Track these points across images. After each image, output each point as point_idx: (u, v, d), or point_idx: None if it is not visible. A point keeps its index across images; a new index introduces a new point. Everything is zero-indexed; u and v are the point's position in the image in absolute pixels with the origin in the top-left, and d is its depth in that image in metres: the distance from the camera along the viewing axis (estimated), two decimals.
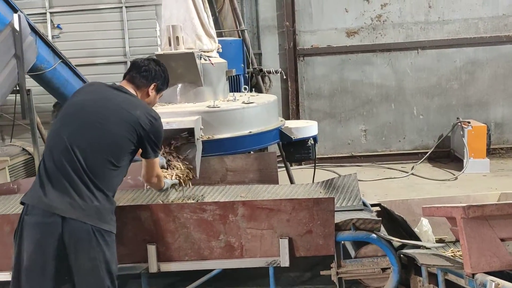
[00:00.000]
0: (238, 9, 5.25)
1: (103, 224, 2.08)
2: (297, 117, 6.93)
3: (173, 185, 2.74)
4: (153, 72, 2.47)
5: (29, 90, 4.61)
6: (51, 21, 7.66)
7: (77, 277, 2.07)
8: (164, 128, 3.16)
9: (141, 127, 2.23)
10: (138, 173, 3.29)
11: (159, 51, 3.66)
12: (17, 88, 4.41)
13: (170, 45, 3.56)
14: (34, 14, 7.30)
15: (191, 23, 3.72)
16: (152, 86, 2.46)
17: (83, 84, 2.49)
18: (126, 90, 2.38)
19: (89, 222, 2.04)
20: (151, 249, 2.49)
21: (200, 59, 3.66)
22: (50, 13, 7.82)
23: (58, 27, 7.03)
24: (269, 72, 5.39)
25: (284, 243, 2.43)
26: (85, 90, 2.42)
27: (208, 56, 3.75)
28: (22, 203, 2.13)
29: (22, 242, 2.06)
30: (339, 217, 2.58)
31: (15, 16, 4.30)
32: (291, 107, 6.98)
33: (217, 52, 3.98)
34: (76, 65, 6.31)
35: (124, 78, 2.48)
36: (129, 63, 7.47)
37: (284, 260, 2.47)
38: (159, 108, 3.60)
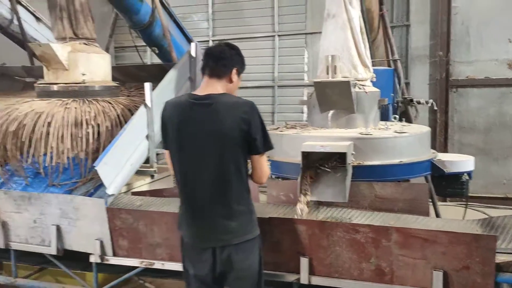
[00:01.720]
0: (392, 39, 5.30)
1: None
2: (445, 150, 6.62)
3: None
4: (230, 58, 2.45)
5: None
6: None
7: None
8: (317, 150, 3.37)
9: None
10: (291, 189, 3.54)
11: (316, 78, 3.88)
12: None
13: (327, 73, 3.77)
14: (199, 42, 8.24)
15: (348, 53, 3.90)
16: (233, 71, 2.46)
17: (171, 106, 2.54)
18: (209, 96, 2.39)
19: None
20: (304, 262, 2.67)
21: (355, 87, 3.80)
22: (213, 40, 8.78)
23: None
24: (419, 103, 5.29)
25: (439, 276, 2.40)
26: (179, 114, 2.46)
27: (362, 85, 3.88)
28: None
29: None
30: (500, 258, 2.45)
31: (192, 44, 4.98)
32: (438, 139, 6.70)
33: (371, 81, 4.08)
34: None
35: (204, 73, 2.48)
36: (276, 88, 8.04)
37: None
38: (312, 132, 3.83)
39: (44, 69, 4.53)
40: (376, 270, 2.54)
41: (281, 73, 8.45)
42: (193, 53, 4.97)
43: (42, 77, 6.52)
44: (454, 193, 3.89)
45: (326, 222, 2.73)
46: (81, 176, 4.13)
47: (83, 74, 4.42)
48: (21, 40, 6.55)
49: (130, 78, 5.34)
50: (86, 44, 4.55)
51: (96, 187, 3.99)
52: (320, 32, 7.85)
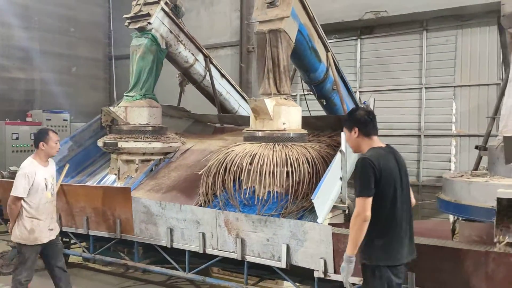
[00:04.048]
0: None
1: None
2: None
3: None
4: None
5: None
6: (359, 98, 9.28)
7: None
8: (510, 197, 3.84)
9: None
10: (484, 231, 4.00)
11: (506, 133, 4.35)
12: None
13: None
14: None
15: None
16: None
17: (382, 155, 3.23)
18: (388, 148, 3.29)
19: None
20: None
21: None
22: (360, 92, 9.55)
23: (364, 103, 8.43)
24: None
25: None
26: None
27: None
28: None
29: None
30: None
31: (371, 99, 5.79)
32: None
33: None
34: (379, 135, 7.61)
35: (373, 134, 3.30)
36: (422, 137, 8.50)
37: None
38: (500, 181, 4.28)
39: (252, 118, 5.60)
40: None
41: (428, 123, 8.86)
42: (371, 106, 5.76)
43: (229, 123, 7.84)
44: None
45: None
46: (282, 208, 5.04)
47: (284, 123, 5.41)
48: (209, 93, 7.99)
49: (308, 126, 6.22)
50: (286, 99, 5.57)
51: (298, 217, 4.85)
52: (469, 85, 8.30)
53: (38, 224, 4.32)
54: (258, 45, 5.64)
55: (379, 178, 3.07)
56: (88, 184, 6.55)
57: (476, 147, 5.68)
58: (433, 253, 3.44)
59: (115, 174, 6.57)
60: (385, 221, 3.11)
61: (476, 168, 5.60)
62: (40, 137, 4.43)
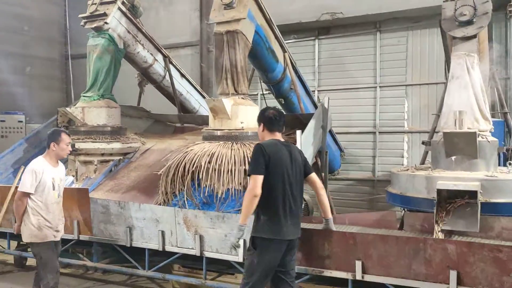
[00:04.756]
0: (502, 94, 5.97)
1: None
2: None
3: None
4: (283, 120, 3.88)
5: (326, 152, 6.21)
6: (318, 97, 9.55)
7: None
8: (452, 188, 4.13)
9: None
10: (426, 221, 4.25)
11: (445, 129, 4.65)
12: None
13: (455, 125, 4.56)
14: None
15: (470, 109, 4.67)
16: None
17: (276, 144, 3.73)
18: (285, 142, 3.76)
19: None
20: (453, 275, 3.40)
21: (478, 137, 4.54)
22: (318, 91, 9.82)
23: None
24: None
25: None
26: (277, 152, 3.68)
27: (484, 135, 4.61)
28: None
29: None
30: None
31: (326, 98, 6.01)
32: None
33: (490, 132, 4.79)
34: (336, 133, 7.96)
35: (275, 131, 3.81)
36: (377, 134, 8.82)
37: None
38: (441, 173, 4.58)
39: (211, 117, 5.71)
40: None
41: (382, 121, 9.22)
42: (326, 105, 5.99)
43: (189, 123, 7.90)
44: None
45: (474, 243, 3.46)
46: (241, 205, 5.18)
47: (242, 123, 5.55)
48: (169, 92, 8.03)
49: None
50: (243, 99, 5.71)
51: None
52: (419, 84, 8.70)
53: (45, 223, 4.31)
54: (216, 46, 5.76)
55: (268, 162, 3.58)
56: None
57: (423, 143, 6.02)
58: (379, 241, 3.67)
59: (73, 176, 6.52)
60: (271, 201, 3.58)
61: (422, 162, 5.95)
62: (52, 137, 4.42)
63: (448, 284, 3.44)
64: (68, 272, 6.17)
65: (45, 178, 4.29)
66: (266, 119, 3.86)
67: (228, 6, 5.66)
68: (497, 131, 5.51)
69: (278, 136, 3.86)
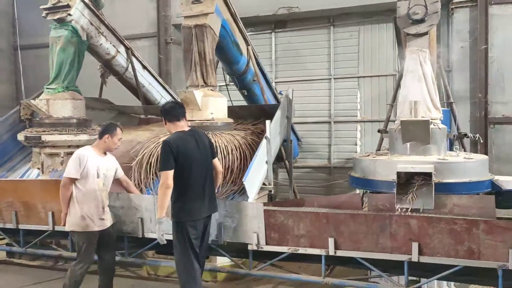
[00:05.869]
0: (448, 85, 6.57)
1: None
2: None
3: None
4: (183, 109, 4.31)
5: (291, 141, 6.55)
6: (275, 88, 9.88)
7: None
8: (410, 171, 4.59)
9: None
10: (387, 201, 4.69)
11: (402, 118, 5.11)
12: None
13: (410, 114, 5.03)
14: None
15: (424, 99, 5.16)
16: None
17: (181, 137, 4.15)
18: (190, 131, 4.23)
19: None
20: (415, 246, 3.85)
21: (430, 124, 5.04)
22: (275, 82, 10.16)
23: (280, 93, 9.03)
24: (467, 136, 6.47)
25: None
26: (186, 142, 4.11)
27: (435, 123, 5.12)
28: None
29: None
30: None
31: (290, 90, 6.34)
32: None
33: (440, 120, 5.33)
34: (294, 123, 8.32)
35: (175, 120, 4.18)
36: (332, 123, 9.38)
37: None
38: (399, 158, 5.05)
39: None
40: (468, 250, 3.69)
41: (336, 111, 9.74)
42: (290, 96, 6.33)
43: (154, 115, 7.96)
44: (508, 206, 5.03)
45: (433, 217, 3.92)
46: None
47: (212, 113, 5.77)
48: (132, 84, 8.03)
49: (232, 115, 6.62)
50: (212, 90, 5.93)
51: (229, 199, 5.26)
52: (370, 76, 9.24)
53: (89, 211, 4.37)
54: (184, 39, 5.91)
55: (176, 156, 3.98)
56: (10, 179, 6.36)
57: (379, 131, 6.52)
58: (350, 220, 4.06)
59: (38, 168, 6.45)
60: (183, 188, 4.03)
61: (379, 148, 6.44)
62: (108, 129, 4.62)
63: (411, 254, 3.89)
64: (37, 265, 6.15)
65: (90, 166, 4.40)
66: (164, 112, 4.24)
67: (196, 1, 5.83)
68: (445, 119, 6.09)
69: (183, 124, 4.24)
